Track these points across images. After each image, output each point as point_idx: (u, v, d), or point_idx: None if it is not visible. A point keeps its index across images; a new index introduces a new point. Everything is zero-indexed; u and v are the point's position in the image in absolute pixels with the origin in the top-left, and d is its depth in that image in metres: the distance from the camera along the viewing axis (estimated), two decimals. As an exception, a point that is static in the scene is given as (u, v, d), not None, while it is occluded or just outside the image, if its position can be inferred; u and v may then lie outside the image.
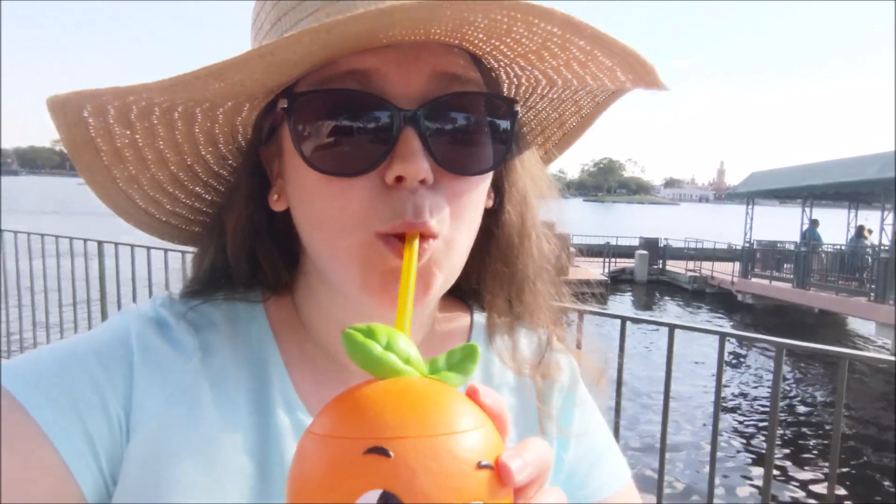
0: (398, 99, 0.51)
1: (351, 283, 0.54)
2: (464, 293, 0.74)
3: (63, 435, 0.50)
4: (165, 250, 4.00)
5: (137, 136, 0.55)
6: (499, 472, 0.35)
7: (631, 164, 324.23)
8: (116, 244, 4.53)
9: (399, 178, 0.51)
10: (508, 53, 0.55)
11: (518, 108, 0.57)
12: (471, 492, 0.33)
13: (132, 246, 4.38)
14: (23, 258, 5.07)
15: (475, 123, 0.55)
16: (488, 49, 0.54)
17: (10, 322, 5.38)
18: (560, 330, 0.74)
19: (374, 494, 0.32)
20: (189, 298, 0.63)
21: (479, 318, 0.74)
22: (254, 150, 0.60)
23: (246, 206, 0.61)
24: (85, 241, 4.75)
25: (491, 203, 0.65)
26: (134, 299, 4.53)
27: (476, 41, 0.52)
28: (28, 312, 5.43)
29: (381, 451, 0.33)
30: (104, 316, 4.76)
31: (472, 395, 0.38)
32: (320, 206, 0.54)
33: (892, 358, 2.23)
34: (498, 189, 0.65)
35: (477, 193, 0.57)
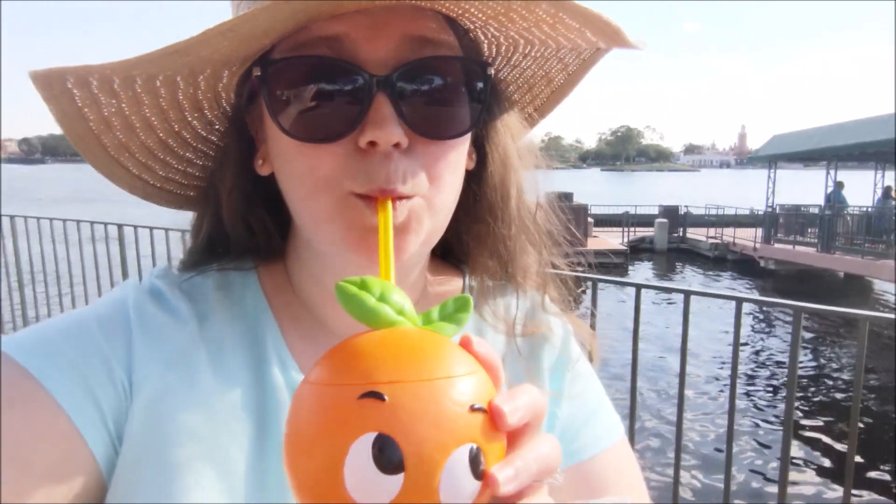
0: (370, 64, 0.51)
1: (332, 241, 0.55)
2: (456, 257, 0.75)
3: (73, 401, 0.52)
4: (183, 232, 4.04)
5: (123, 105, 0.55)
6: (492, 415, 0.35)
7: (649, 132, 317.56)
8: (136, 227, 4.62)
9: (372, 143, 0.51)
10: (479, 16, 0.55)
11: (491, 70, 0.57)
12: (465, 434, 0.33)
13: (151, 228, 4.45)
14: (46, 243, 5.18)
15: (448, 87, 0.55)
16: (459, 12, 0.54)
17: (39, 307, 5.53)
18: (552, 291, 0.74)
19: (370, 437, 0.32)
20: (184, 270, 0.65)
21: (472, 281, 0.74)
22: (238, 115, 0.61)
23: (234, 171, 0.62)
24: (105, 224, 4.84)
25: (472, 164, 0.65)
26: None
27: (445, 6, 0.52)
28: (56, 299, 5.55)
29: (375, 395, 0.33)
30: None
31: (465, 344, 0.39)
32: (296, 168, 0.55)
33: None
34: (480, 150, 0.65)
35: (454, 156, 0.57)
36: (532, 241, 0.69)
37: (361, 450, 0.32)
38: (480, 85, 0.56)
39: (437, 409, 0.33)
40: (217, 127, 0.63)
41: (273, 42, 0.52)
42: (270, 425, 0.58)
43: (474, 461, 0.33)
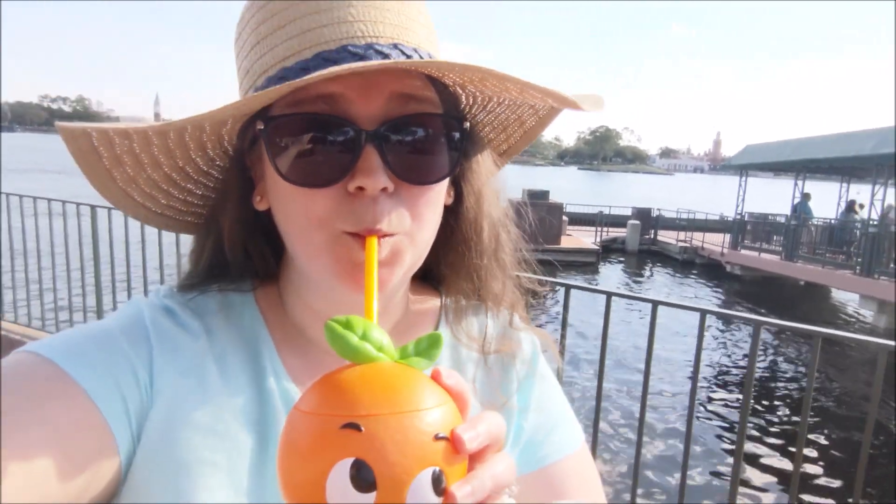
0: (361, 119, 0.58)
1: (322, 273, 0.62)
2: (435, 279, 0.82)
3: (105, 399, 0.56)
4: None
5: (135, 145, 0.61)
6: (453, 442, 0.41)
7: (627, 133, 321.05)
8: (109, 209, 4.54)
9: (360, 189, 0.57)
10: (457, 79, 0.64)
11: (467, 124, 0.65)
12: (428, 459, 0.40)
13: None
14: (14, 219, 5.07)
15: (429, 139, 0.62)
16: (440, 74, 0.63)
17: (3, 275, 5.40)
18: (521, 310, 0.82)
19: (348, 461, 0.38)
20: (186, 291, 0.70)
21: (448, 301, 0.81)
22: (239, 156, 0.67)
23: (235, 205, 0.68)
24: (78, 204, 4.76)
25: (451, 200, 0.72)
26: (127, 262, 4.58)
27: (429, 70, 0.60)
28: (21, 275, 5.43)
29: (353, 426, 0.39)
30: (97, 278, 4.81)
31: (435, 376, 0.44)
32: (291, 208, 0.61)
33: (869, 338, 2.29)
34: (457, 187, 0.73)
35: (434, 196, 0.64)
36: (502, 268, 0.77)
37: (341, 471, 0.38)
38: (458, 136, 0.63)
39: (404, 439, 0.39)
40: (218, 163, 0.69)
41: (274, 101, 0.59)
42: (269, 428, 0.64)
43: (436, 481, 0.40)
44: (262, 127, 0.59)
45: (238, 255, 0.70)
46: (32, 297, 5.29)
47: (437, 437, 0.40)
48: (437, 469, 0.40)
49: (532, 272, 0.82)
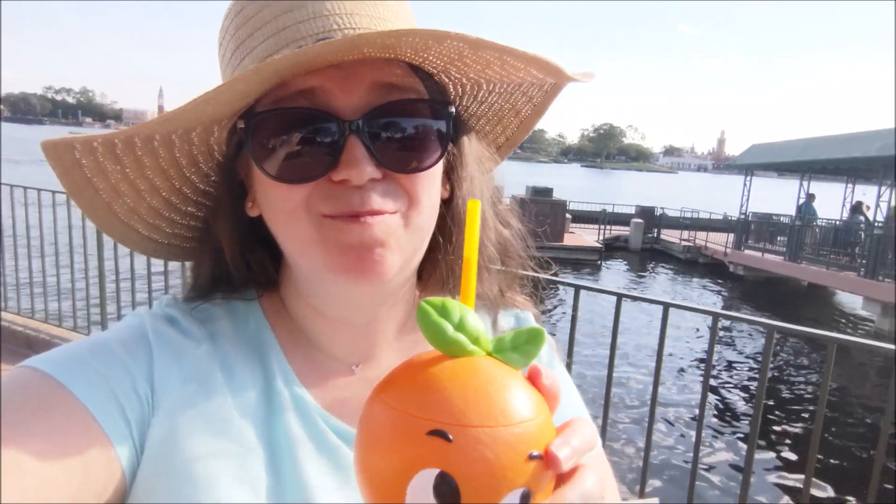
0: (342, 111, 0.57)
1: (314, 265, 0.61)
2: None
3: (103, 411, 0.55)
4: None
5: (128, 170, 0.61)
6: (547, 460, 0.38)
7: (631, 131, 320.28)
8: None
9: (345, 181, 0.56)
10: (437, 62, 0.62)
11: (452, 109, 0.63)
12: (519, 480, 0.37)
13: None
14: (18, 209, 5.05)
15: (415, 126, 0.60)
16: (419, 60, 0.60)
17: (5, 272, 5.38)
18: (532, 307, 0.82)
19: (433, 472, 0.36)
20: (190, 301, 0.70)
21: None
22: (230, 164, 0.66)
23: (228, 213, 0.67)
24: (53, 192, 4.77)
25: (447, 194, 0.70)
26: (115, 249, 4.58)
27: (406, 55, 0.58)
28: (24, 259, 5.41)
29: (442, 435, 0.36)
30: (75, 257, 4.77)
31: (533, 375, 0.42)
32: (275, 203, 0.60)
33: (887, 345, 2.26)
34: (450, 182, 0.71)
35: (428, 180, 0.63)
36: (486, 268, 0.73)
37: (424, 480, 0.36)
38: (444, 122, 0.62)
39: (495, 457, 0.36)
40: (213, 178, 0.68)
41: (255, 99, 0.58)
42: (278, 430, 0.62)
43: (524, 501, 0.37)
44: (244, 125, 0.58)
45: (239, 264, 0.69)
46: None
47: (530, 457, 0.37)
48: (527, 490, 0.37)
49: (536, 274, 0.80)
